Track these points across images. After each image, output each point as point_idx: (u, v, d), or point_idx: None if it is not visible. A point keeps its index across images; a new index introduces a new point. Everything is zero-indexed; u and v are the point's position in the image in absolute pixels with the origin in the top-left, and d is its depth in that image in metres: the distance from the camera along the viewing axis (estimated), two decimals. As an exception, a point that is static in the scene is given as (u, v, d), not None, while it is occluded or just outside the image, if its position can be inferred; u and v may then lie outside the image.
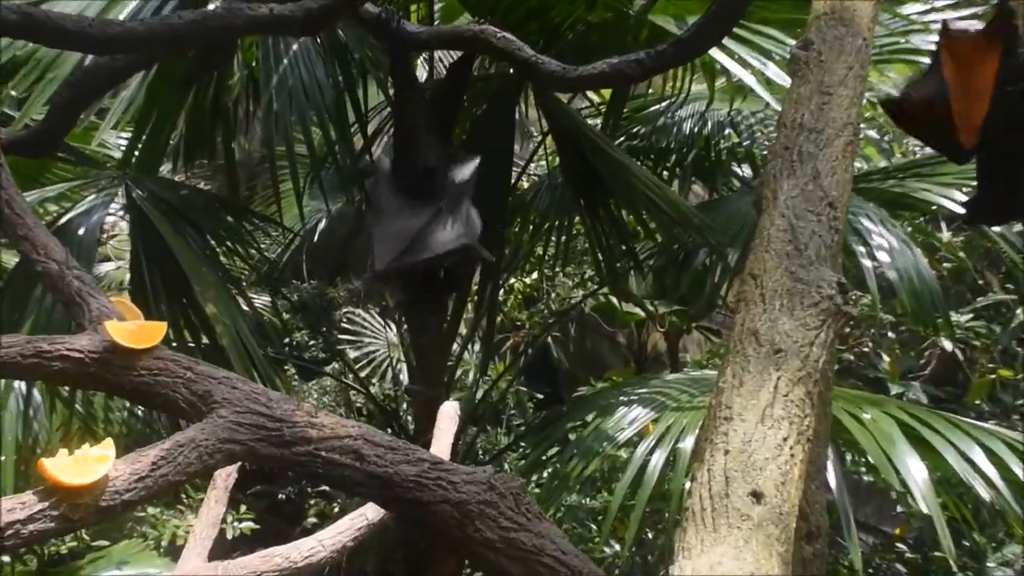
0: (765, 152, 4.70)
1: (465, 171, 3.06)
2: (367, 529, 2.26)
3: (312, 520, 5.76)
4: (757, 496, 1.16)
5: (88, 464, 1.27)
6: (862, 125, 1.67)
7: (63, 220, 3.17)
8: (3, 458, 3.30)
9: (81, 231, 3.14)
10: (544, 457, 3.80)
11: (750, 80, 3.46)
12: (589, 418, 3.48)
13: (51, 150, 2.69)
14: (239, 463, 1.71)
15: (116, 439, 1.35)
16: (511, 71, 3.66)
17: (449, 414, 2.54)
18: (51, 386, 3.35)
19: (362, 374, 6.01)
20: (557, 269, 5.75)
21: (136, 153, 3.53)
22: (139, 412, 4.06)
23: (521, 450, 5.45)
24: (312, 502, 5.96)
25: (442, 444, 2.41)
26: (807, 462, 1.24)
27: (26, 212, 1.78)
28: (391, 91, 3.61)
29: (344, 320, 6.67)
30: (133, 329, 1.49)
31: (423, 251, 3.01)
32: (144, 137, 3.49)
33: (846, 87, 1.57)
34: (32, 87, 3.29)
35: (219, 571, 2.15)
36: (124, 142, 3.91)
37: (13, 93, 3.39)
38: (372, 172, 3.87)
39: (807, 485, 1.33)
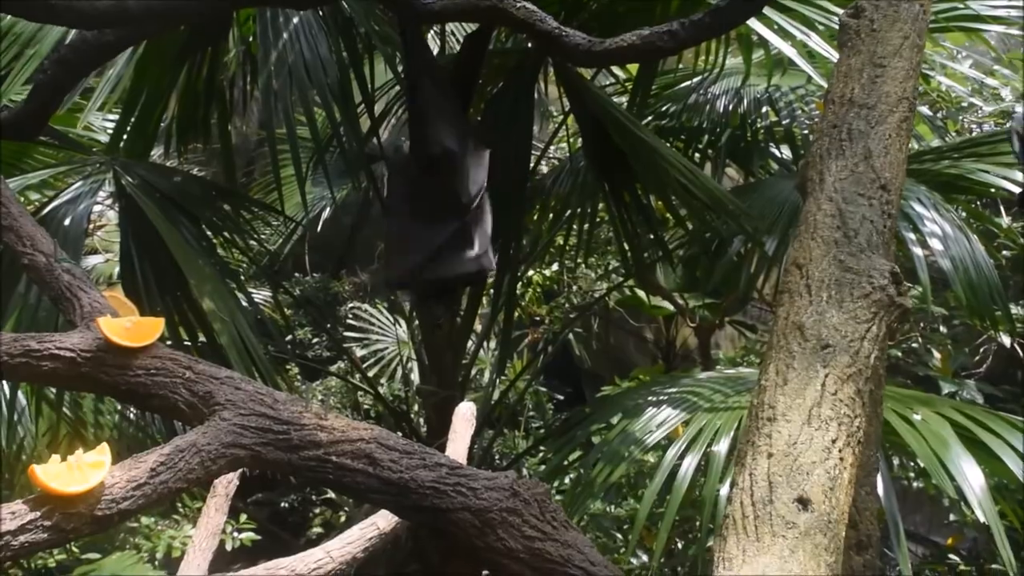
0: (806, 132, 4.69)
1: (481, 172, 3.11)
2: (378, 539, 2.27)
3: (317, 530, 5.82)
4: (803, 502, 1.15)
5: (82, 471, 1.28)
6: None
7: (47, 209, 3.18)
8: (-13, 465, 3.33)
9: (67, 221, 3.14)
10: (566, 462, 3.81)
11: (791, 52, 3.45)
12: (614, 420, 3.48)
13: (35, 133, 2.70)
14: (241, 469, 1.72)
15: (108, 445, 1.36)
16: (530, 45, 3.65)
17: (465, 416, 2.55)
18: (37, 388, 3.37)
19: (370, 373, 6.03)
20: (579, 260, 5.75)
21: (125, 136, 3.55)
22: (131, 415, 4.09)
23: (541, 454, 5.46)
24: (317, 511, 6.01)
25: (458, 448, 2.42)
26: (857, 466, 1.24)
27: (10, 200, 1.79)
28: (401, 68, 3.61)
29: (350, 316, 6.70)
30: (128, 326, 1.50)
31: (440, 270, 3.07)
32: (133, 119, 3.50)
33: (901, 58, 1.56)
34: (11, 64, 3.32)
35: (220, 585, 2.17)
36: (112, 124, 3.94)
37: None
38: (379, 157, 3.89)
39: (857, 491, 1.33)
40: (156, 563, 4.46)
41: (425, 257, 3.13)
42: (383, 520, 2.29)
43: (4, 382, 3.24)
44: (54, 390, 3.36)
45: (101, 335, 1.47)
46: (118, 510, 1.29)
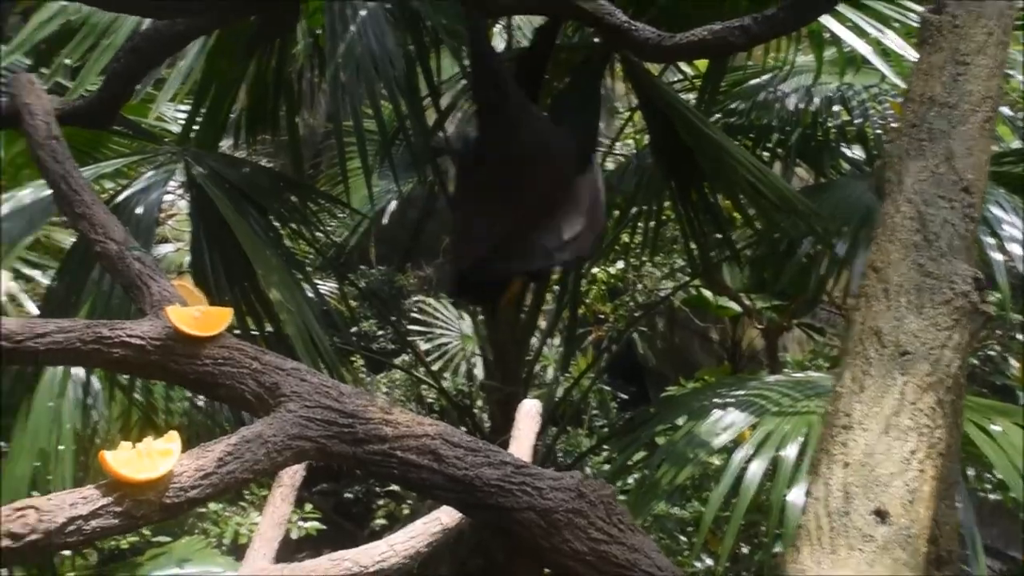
0: (879, 131, 4.58)
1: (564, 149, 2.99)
2: (442, 534, 2.27)
3: (381, 521, 5.85)
4: (881, 515, 1.12)
5: (152, 458, 1.29)
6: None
7: (120, 198, 3.21)
8: (62, 447, 3.40)
9: (139, 210, 3.18)
10: (630, 462, 3.78)
11: (864, 50, 3.37)
12: (680, 421, 3.44)
13: (109, 122, 2.75)
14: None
15: (177, 431, 1.37)
16: (597, 40, 3.62)
17: (530, 414, 2.53)
18: (110, 374, 3.43)
19: (434, 367, 6.05)
20: (644, 258, 5.70)
21: (195, 127, 3.60)
22: (201, 403, 4.15)
23: (605, 454, 5.43)
24: (381, 503, 6.05)
25: (522, 446, 2.40)
26: (937, 479, 1.20)
27: (83, 189, 1.82)
28: (467, 62, 3.61)
29: (415, 309, 6.72)
30: (197, 315, 1.51)
31: (513, 260, 3.00)
32: (204, 110, 3.55)
33: (985, 56, 1.50)
34: (87, 55, 3.37)
35: (286, 573, 2.18)
36: (183, 115, 3.99)
37: (67, 62, 3.48)
38: (445, 150, 3.88)
39: (937, 505, 1.29)
40: (224, 548, 4.52)
41: (495, 243, 3.04)
42: (447, 515, 2.28)
43: (80, 367, 3.30)
44: (127, 376, 3.42)
45: (170, 324, 1.48)
46: (187, 498, 1.30)
